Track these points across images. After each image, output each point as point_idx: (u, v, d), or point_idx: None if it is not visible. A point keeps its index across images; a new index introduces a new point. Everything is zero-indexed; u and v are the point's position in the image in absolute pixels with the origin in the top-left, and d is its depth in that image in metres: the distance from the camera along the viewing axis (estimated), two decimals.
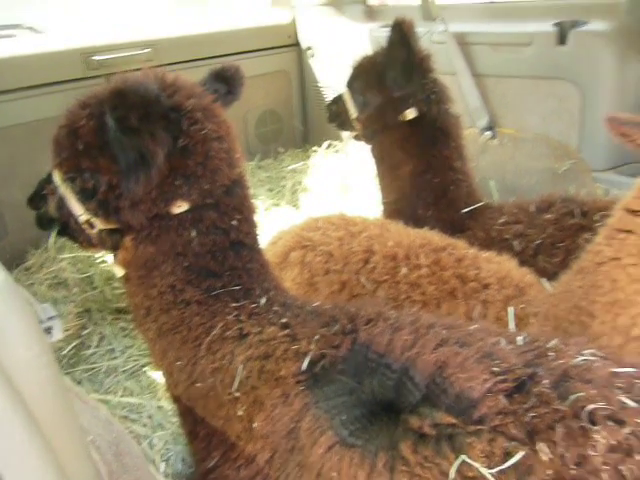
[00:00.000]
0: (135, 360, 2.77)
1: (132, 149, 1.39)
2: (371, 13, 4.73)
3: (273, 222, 3.80)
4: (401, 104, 2.65)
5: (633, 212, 1.49)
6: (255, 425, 1.40)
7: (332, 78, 4.80)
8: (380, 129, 2.77)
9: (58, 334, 1.25)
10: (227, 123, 1.60)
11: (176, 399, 1.67)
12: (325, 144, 4.98)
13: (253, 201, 1.68)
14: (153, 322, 1.59)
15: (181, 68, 4.08)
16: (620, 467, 1.00)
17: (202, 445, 1.58)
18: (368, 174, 3.05)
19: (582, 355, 1.24)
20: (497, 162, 3.75)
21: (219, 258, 1.54)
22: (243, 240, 1.59)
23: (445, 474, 1.11)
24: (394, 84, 2.63)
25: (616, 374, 1.17)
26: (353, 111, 2.86)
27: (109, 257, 3.31)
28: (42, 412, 0.80)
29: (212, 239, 1.53)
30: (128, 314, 3.08)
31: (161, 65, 1.63)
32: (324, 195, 4.36)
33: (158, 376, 2.56)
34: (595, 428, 1.05)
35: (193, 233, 1.51)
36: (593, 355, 1.24)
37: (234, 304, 1.54)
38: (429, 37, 3.89)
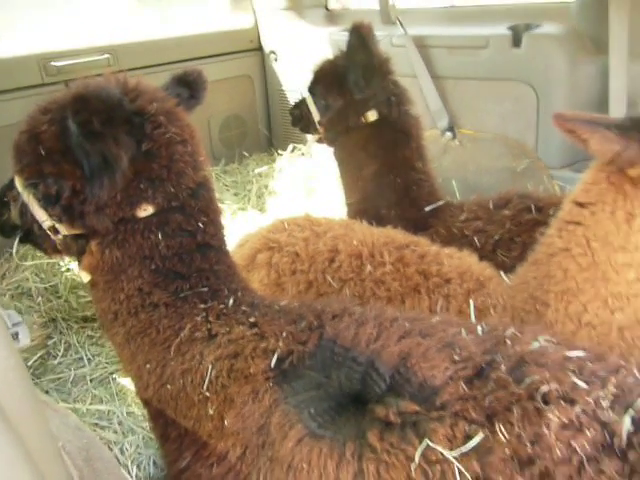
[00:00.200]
0: (103, 368, 2.75)
1: (95, 154, 1.40)
2: (332, 17, 4.79)
3: (240, 226, 3.81)
4: (362, 107, 2.71)
5: (580, 205, 1.58)
6: (226, 423, 1.43)
7: (295, 82, 4.84)
8: (342, 131, 2.83)
9: (25, 340, 1.25)
10: (191, 126, 1.62)
11: (146, 402, 1.68)
12: (290, 147, 5.02)
13: (219, 204, 1.70)
14: (121, 326, 1.59)
15: (142, 74, 4.04)
16: (572, 443, 1.07)
17: (174, 446, 1.58)
18: (333, 176, 3.11)
19: (537, 341, 1.31)
20: (458, 162, 3.84)
21: (186, 260, 1.56)
22: (210, 242, 1.60)
23: (410, 459, 1.16)
24: (355, 87, 2.69)
25: (568, 358, 1.24)
26: (316, 115, 2.91)
27: (74, 265, 3.29)
28: (13, 412, 0.81)
29: (179, 241, 1.54)
30: (95, 322, 3.05)
31: (121, 71, 1.63)
32: (290, 198, 4.39)
33: (127, 382, 2.55)
34: (548, 408, 1.11)
35: (159, 236, 1.52)
36: (547, 341, 1.31)
37: (202, 305, 1.56)
38: (389, 40, 3.98)
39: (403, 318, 1.44)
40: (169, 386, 1.53)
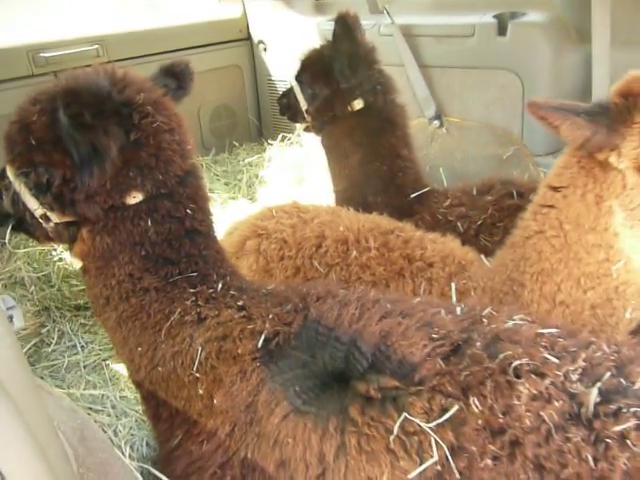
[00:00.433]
0: (96, 354, 2.80)
1: (85, 144, 1.43)
2: (320, 7, 4.80)
3: (230, 215, 3.85)
4: (348, 95, 2.75)
5: (554, 188, 1.64)
6: (215, 402, 1.48)
7: (284, 71, 4.86)
8: (329, 120, 2.87)
9: (19, 323, 1.29)
10: (178, 116, 1.65)
11: (138, 385, 1.73)
12: (280, 137, 5.05)
13: (209, 193, 1.74)
14: (113, 311, 1.63)
15: (131, 64, 4.06)
16: (541, 413, 1.13)
17: (165, 426, 1.64)
18: (323, 165, 3.16)
19: (512, 320, 1.37)
20: (445, 150, 3.89)
21: (175, 246, 1.60)
22: (198, 228, 1.65)
23: (389, 431, 1.22)
24: (341, 76, 2.73)
25: (541, 334, 1.31)
26: (303, 103, 2.95)
27: (66, 255, 3.31)
28: (11, 388, 0.86)
29: (167, 228, 1.58)
30: (87, 310, 3.09)
31: (110, 62, 1.66)
32: (281, 187, 4.43)
33: (120, 368, 2.60)
34: (519, 381, 1.18)
35: (149, 223, 1.56)
36: (522, 320, 1.38)
37: (192, 290, 1.60)
38: (377, 30, 4.01)
39: (385, 300, 1.50)
40: (160, 368, 1.58)
